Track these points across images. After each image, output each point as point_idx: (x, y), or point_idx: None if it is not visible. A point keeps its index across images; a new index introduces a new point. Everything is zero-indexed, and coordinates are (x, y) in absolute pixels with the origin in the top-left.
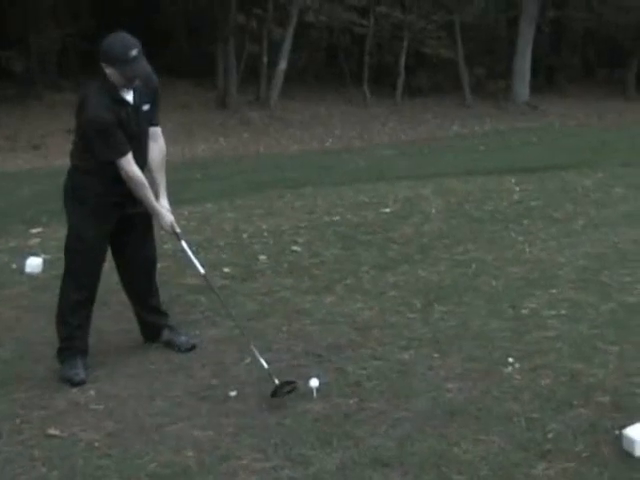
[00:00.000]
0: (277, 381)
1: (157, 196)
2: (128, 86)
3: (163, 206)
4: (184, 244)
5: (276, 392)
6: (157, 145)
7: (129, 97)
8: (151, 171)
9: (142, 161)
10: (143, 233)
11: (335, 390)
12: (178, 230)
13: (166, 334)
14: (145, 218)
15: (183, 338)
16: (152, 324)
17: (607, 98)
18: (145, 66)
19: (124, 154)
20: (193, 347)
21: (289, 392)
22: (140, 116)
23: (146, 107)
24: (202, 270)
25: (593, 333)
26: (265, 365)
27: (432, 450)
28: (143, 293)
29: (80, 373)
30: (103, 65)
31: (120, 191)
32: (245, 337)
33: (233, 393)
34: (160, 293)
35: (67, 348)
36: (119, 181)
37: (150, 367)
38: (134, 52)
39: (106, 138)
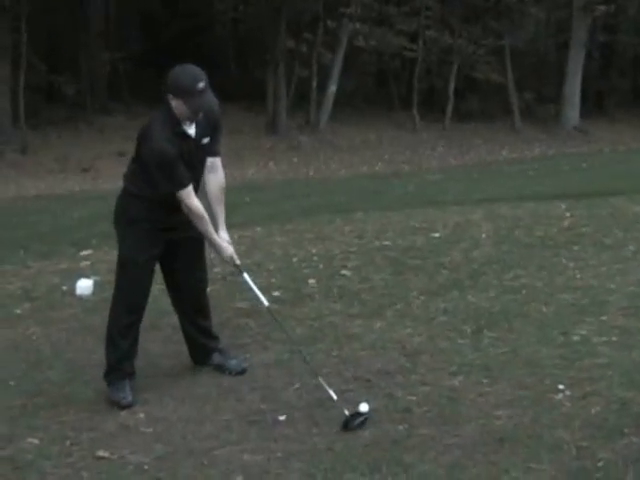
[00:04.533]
0: (347, 412)
1: (216, 228)
2: (192, 119)
3: (223, 238)
4: (246, 276)
5: (347, 424)
6: (216, 177)
7: (191, 131)
8: (210, 202)
9: (195, 190)
10: (194, 257)
11: (385, 416)
12: (238, 262)
13: (217, 357)
14: (196, 242)
15: (234, 362)
16: (203, 346)
17: None
18: (211, 99)
19: (185, 186)
20: (243, 371)
21: (361, 424)
22: (200, 149)
23: (206, 140)
24: (266, 302)
25: None
26: (334, 397)
27: (481, 477)
28: (195, 315)
29: (127, 396)
30: (170, 97)
31: (171, 218)
32: (309, 365)
33: (282, 417)
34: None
35: (115, 371)
36: (171, 208)
37: (199, 390)
38: (201, 85)
39: (168, 170)
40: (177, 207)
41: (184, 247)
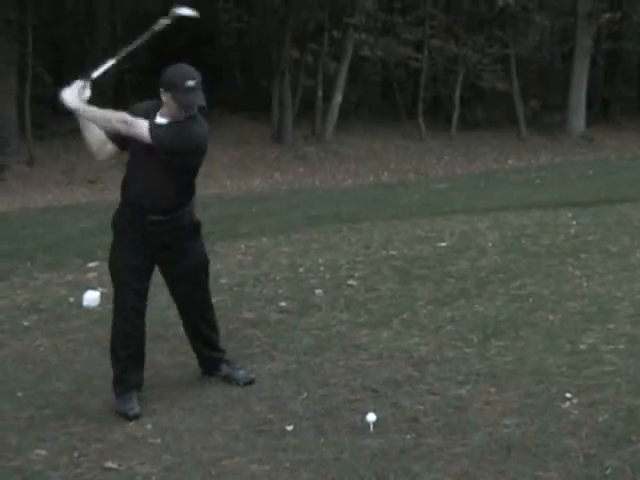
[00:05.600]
0: None
1: None
2: (177, 116)
3: None
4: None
5: None
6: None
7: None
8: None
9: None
10: (193, 285)
11: (392, 426)
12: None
13: (225, 368)
14: (196, 268)
15: (242, 372)
16: (209, 358)
17: None
18: (200, 98)
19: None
20: (251, 381)
21: None
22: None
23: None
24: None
25: None
26: None
27: None
28: (199, 328)
29: (134, 407)
30: (161, 90)
31: (152, 231)
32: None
33: (290, 428)
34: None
35: (121, 381)
36: (150, 221)
37: (207, 401)
38: (190, 83)
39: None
40: (158, 221)
41: (181, 275)
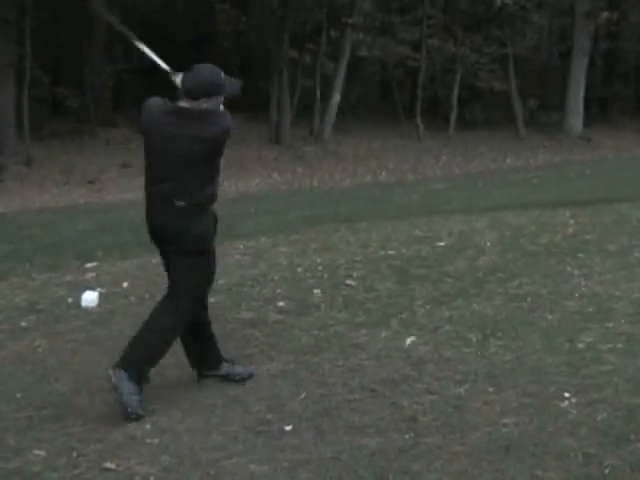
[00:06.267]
0: None
1: None
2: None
3: None
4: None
5: None
6: None
7: None
8: None
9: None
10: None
11: (391, 425)
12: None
13: (224, 367)
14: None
15: (240, 368)
16: (204, 358)
17: None
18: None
19: None
20: (250, 375)
21: None
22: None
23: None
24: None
25: None
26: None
27: None
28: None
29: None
30: (215, 97)
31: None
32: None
33: (289, 427)
34: (215, 328)
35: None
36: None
37: (206, 401)
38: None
39: None
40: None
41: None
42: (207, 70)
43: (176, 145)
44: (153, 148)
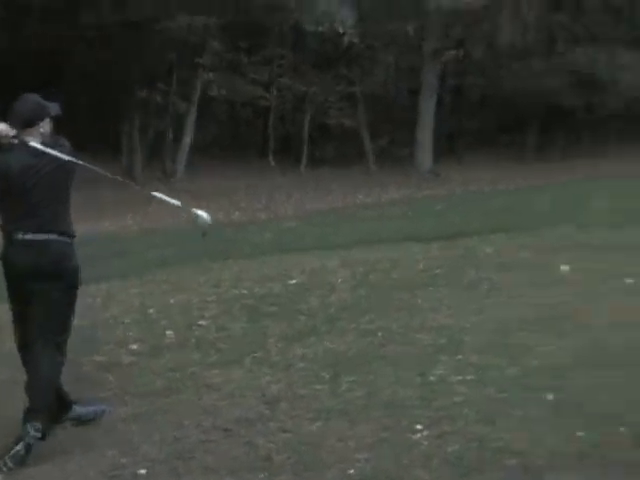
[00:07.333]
0: None
1: None
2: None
3: None
4: None
5: None
6: None
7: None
8: None
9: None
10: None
11: (245, 465)
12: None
13: (75, 410)
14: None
15: (91, 408)
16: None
17: (507, 163)
18: None
19: None
20: (103, 413)
21: None
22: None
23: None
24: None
25: (499, 397)
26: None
27: None
28: None
29: None
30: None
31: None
32: None
33: (143, 471)
34: (68, 371)
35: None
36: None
37: (62, 448)
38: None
39: None
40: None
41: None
42: (30, 98)
43: None
44: None
